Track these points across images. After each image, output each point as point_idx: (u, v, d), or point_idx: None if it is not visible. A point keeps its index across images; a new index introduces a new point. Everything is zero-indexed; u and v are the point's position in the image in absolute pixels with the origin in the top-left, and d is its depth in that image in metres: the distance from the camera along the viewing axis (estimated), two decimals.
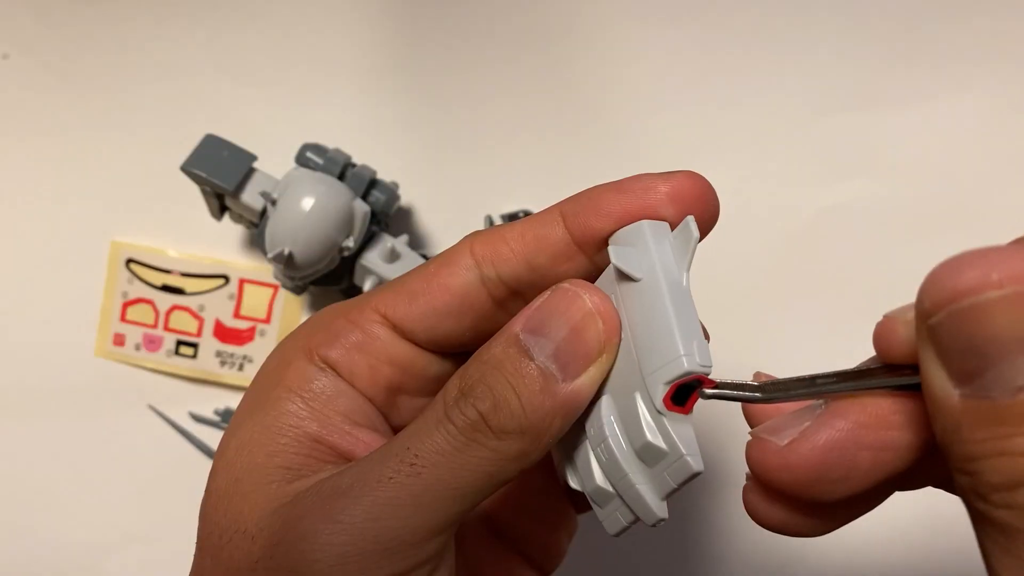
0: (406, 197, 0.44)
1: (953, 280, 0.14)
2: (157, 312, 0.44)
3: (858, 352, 0.43)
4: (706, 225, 0.22)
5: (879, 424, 0.18)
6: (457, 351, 0.25)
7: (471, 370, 0.21)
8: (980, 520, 0.15)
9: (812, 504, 0.19)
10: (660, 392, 0.19)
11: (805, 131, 0.43)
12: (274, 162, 0.39)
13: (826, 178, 0.43)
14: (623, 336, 0.21)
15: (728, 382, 0.20)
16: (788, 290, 0.43)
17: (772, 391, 0.19)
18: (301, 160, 0.39)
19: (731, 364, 0.27)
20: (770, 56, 0.43)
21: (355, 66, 0.44)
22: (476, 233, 0.24)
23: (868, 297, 0.43)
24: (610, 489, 0.21)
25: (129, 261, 0.45)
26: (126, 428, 0.45)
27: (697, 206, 0.21)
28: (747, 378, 0.20)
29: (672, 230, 0.21)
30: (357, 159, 0.40)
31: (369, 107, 0.45)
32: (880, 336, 0.17)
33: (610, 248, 0.21)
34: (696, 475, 0.19)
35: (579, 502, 0.29)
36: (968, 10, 0.42)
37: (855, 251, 0.43)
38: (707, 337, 0.22)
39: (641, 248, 0.21)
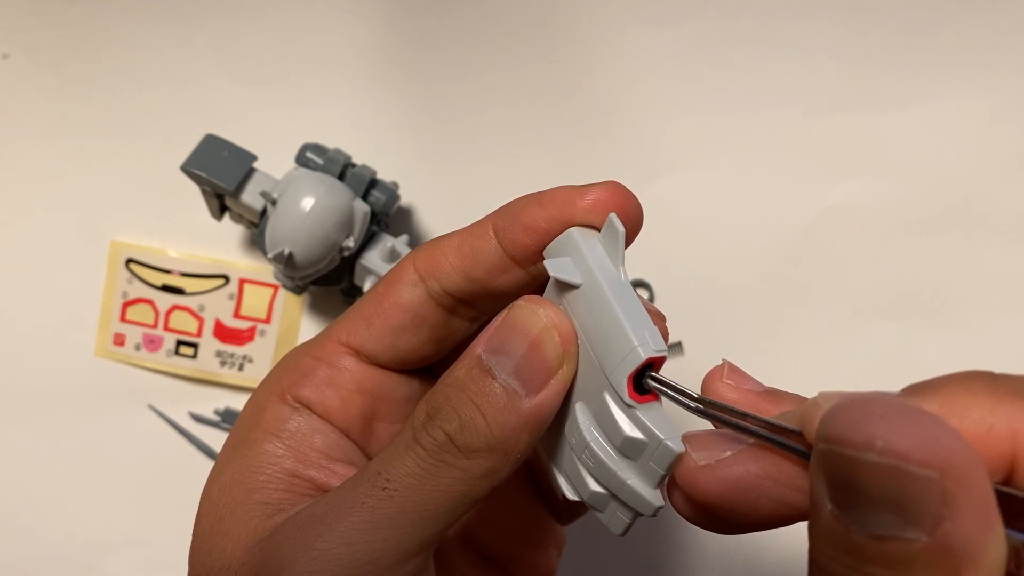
0: (406, 197, 0.44)
1: (845, 426, 0.15)
2: (157, 312, 0.44)
3: (857, 352, 0.43)
4: (630, 233, 0.22)
5: (785, 481, 0.19)
6: (421, 366, 0.26)
7: (437, 394, 0.21)
8: None
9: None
10: (625, 387, 0.20)
11: (805, 131, 0.43)
12: (274, 162, 0.39)
13: (826, 178, 0.43)
14: (580, 343, 0.21)
15: (671, 382, 0.20)
16: (788, 290, 0.43)
17: (704, 406, 0.20)
18: (301, 160, 0.39)
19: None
20: (770, 57, 0.43)
21: (355, 66, 0.44)
22: (418, 248, 0.24)
23: (868, 297, 0.43)
24: (604, 492, 0.21)
25: (129, 261, 0.45)
26: (126, 428, 0.45)
27: (618, 215, 0.22)
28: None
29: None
30: (357, 159, 0.40)
31: (369, 107, 0.45)
32: (805, 416, 0.18)
33: (545, 262, 0.21)
34: (680, 456, 0.20)
35: (563, 515, 0.29)
36: (968, 10, 0.42)
37: (855, 251, 0.43)
38: (662, 318, 0.22)
39: (575, 255, 0.21)
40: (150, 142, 0.45)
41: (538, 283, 0.23)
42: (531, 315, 0.21)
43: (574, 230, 0.22)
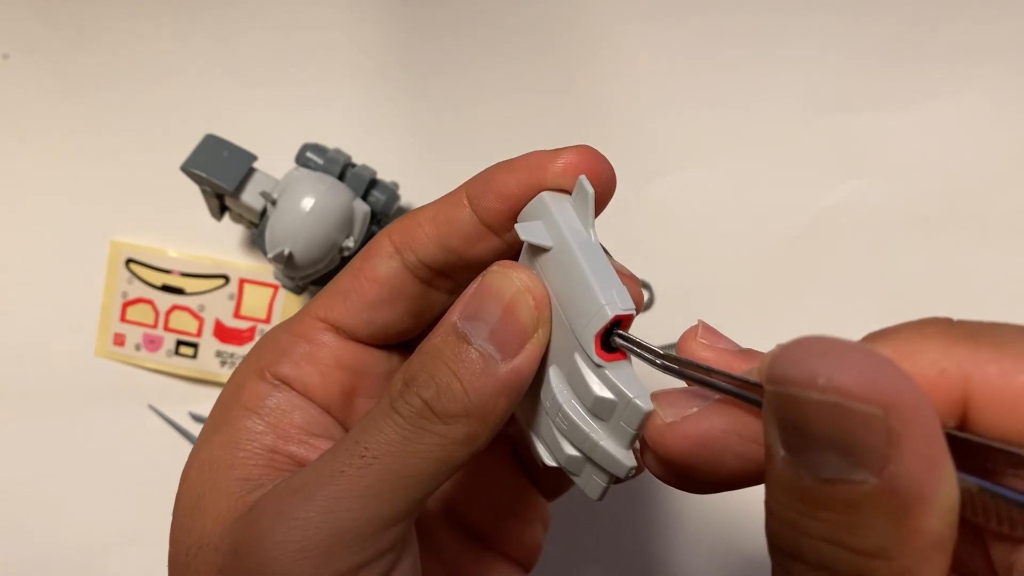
0: (406, 197, 0.44)
1: (788, 365, 0.14)
2: (157, 312, 0.44)
3: None
4: (602, 197, 0.22)
5: (751, 437, 0.18)
6: (400, 340, 0.25)
7: (413, 362, 0.21)
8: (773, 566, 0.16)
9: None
10: (593, 346, 0.20)
11: (805, 131, 0.43)
12: (274, 162, 0.39)
13: (826, 178, 0.43)
14: (553, 306, 0.21)
15: (637, 339, 0.20)
16: (788, 290, 0.43)
17: (669, 363, 0.20)
18: (301, 160, 0.39)
19: None
20: (770, 56, 0.43)
21: (355, 66, 0.44)
22: (394, 221, 0.24)
23: (868, 297, 0.43)
24: (579, 455, 0.21)
25: (129, 261, 0.45)
26: (126, 428, 0.45)
27: (590, 178, 0.21)
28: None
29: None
30: (357, 159, 0.40)
31: (369, 107, 0.45)
32: (763, 367, 0.17)
33: (517, 226, 0.21)
34: (650, 414, 0.20)
35: (548, 490, 0.29)
36: (968, 10, 0.42)
37: (855, 251, 0.43)
38: (636, 282, 0.22)
39: (547, 218, 0.21)
40: (150, 142, 0.45)
41: (514, 252, 0.23)
42: (504, 280, 0.21)
43: (545, 194, 0.22)
